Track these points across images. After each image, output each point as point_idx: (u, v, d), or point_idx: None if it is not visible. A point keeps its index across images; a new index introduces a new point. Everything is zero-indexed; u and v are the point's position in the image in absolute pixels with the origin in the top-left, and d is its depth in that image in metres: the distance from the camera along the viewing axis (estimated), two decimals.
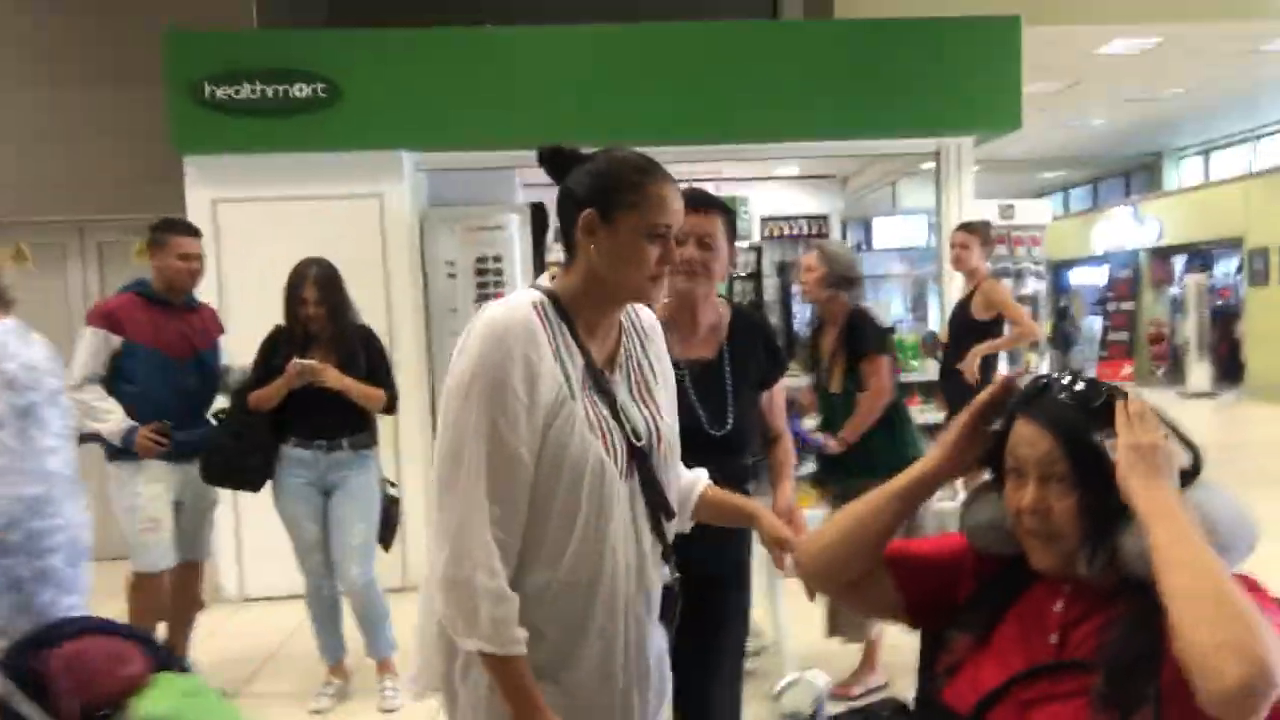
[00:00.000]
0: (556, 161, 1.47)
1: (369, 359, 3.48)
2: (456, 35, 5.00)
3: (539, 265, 5.25)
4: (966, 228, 4.47)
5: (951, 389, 4.29)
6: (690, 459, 1.82)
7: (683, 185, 1.57)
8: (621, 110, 4.97)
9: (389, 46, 4.91)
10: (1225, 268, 13.58)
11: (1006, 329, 4.18)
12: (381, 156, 4.87)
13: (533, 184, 6.41)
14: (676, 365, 1.90)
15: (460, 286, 4.82)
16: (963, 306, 4.35)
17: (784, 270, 5.83)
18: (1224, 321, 12.78)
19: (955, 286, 5.03)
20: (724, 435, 2.00)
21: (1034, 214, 5.83)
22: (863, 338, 3.33)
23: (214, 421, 3.54)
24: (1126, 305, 14.53)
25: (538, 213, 5.17)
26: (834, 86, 5.12)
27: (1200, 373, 12.35)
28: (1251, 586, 1.16)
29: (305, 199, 4.79)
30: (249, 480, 3.45)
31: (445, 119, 4.92)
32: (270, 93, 4.71)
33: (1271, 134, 13.63)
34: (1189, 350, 12.68)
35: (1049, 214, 6.31)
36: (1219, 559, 1.10)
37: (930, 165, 5.64)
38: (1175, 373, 13.19)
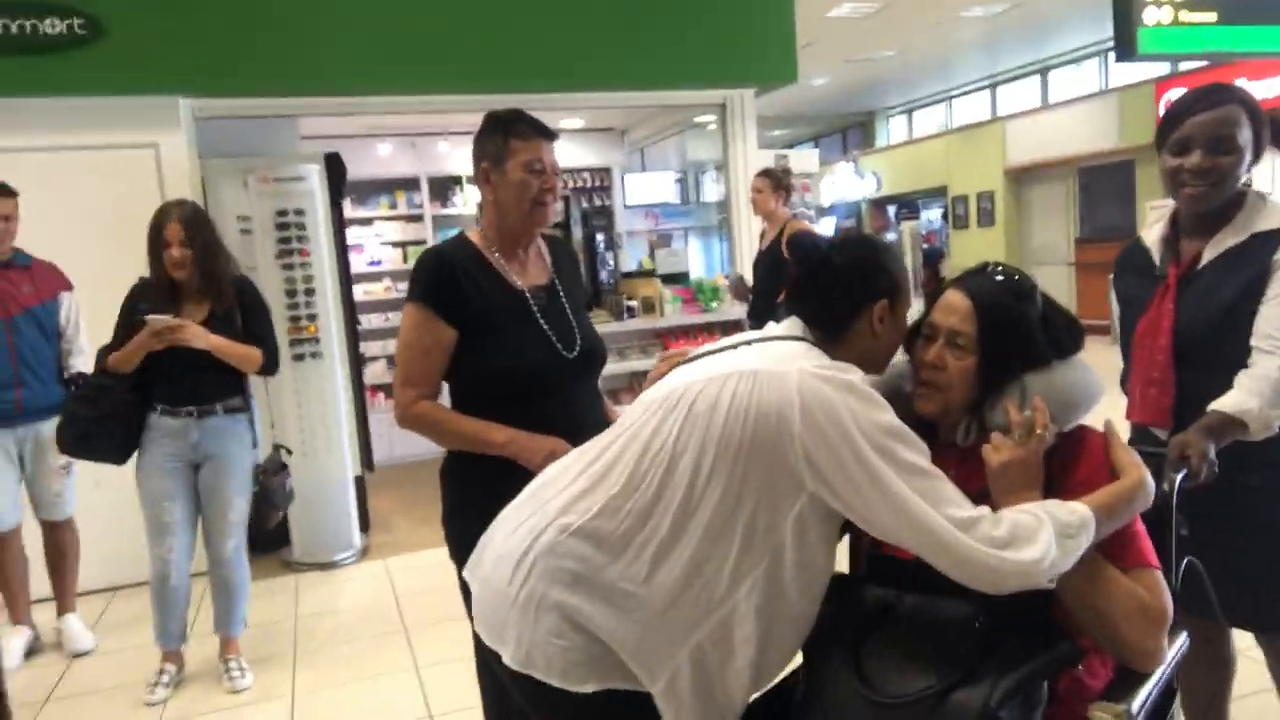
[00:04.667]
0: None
1: (245, 313, 3.18)
2: None
3: (338, 220, 5.01)
4: (759, 173, 4.81)
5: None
6: (552, 384, 1.96)
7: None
8: (410, 58, 4.84)
9: None
10: (931, 214, 15.37)
11: None
12: (154, 102, 4.41)
13: (312, 136, 6.09)
14: (524, 294, 2.00)
15: (258, 242, 4.50)
16: (771, 248, 4.68)
17: (587, 220, 5.96)
18: (931, 262, 14.51)
19: (749, 235, 5.41)
20: (578, 356, 2.03)
21: (804, 163, 6.36)
22: None
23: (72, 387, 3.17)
24: None
25: (333, 163, 4.91)
26: (615, 39, 5.22)
27: (915, 308, 13.95)
28: (1099, 439, 1.48)
29: (67, 149, 4.26)
30: (110, 452, 3.10)
31: (225, 62, 4.51)
32: (15, 28, 4.11)
33: (963, 94, 15.53)
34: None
35: (815, 163, 6.90)
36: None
37: (705, 119, 5.94)
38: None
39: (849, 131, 18.48)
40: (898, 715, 1.31)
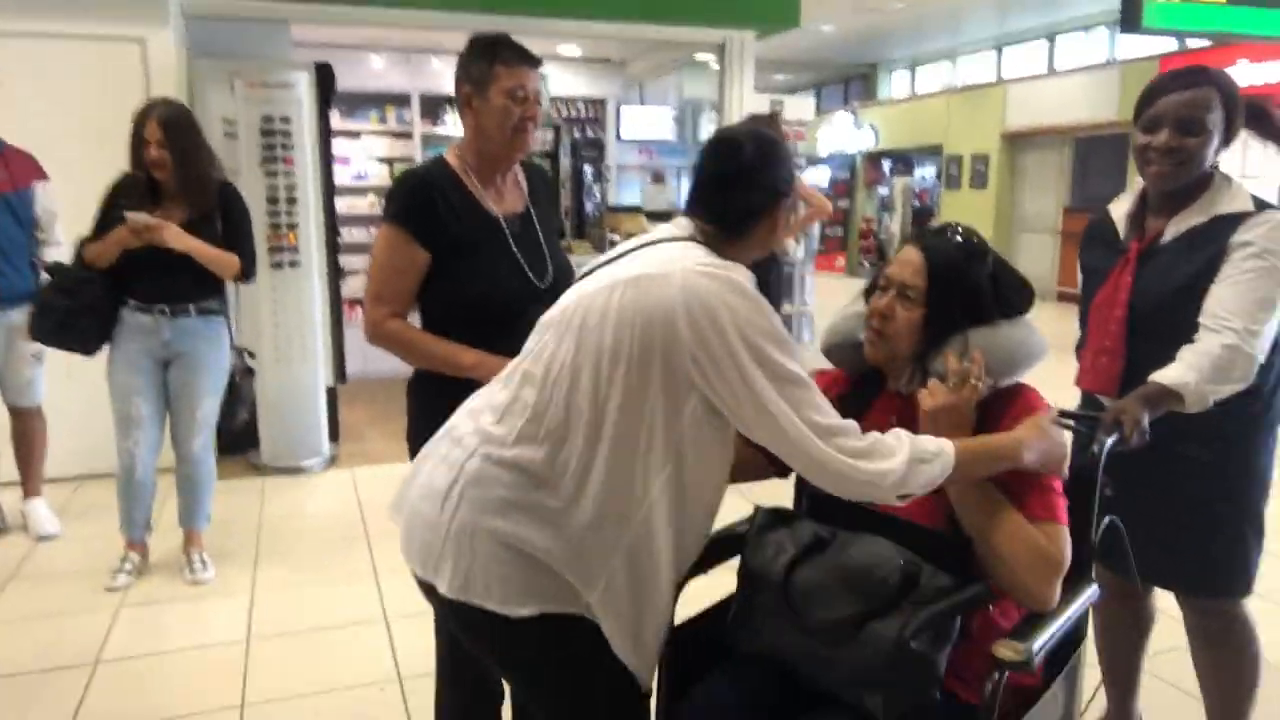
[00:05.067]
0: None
1: (226, 218, 3.18)
2: None
3: (324, 131, 4.95)
4: (749, 119, 4.79)
5: (756, 270, 4.63)
6: (524, 312, 1.88)
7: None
8: None
9: None
10: (924, 172, 15.32)
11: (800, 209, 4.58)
12: None
13: (304, 43, 5.97)
14: (499, 221, 2.00)
15: (243, 147, 4.46)
16: None
17: (576, 151, 5.91)
18: (921, 220, 14.52)
19: None
20: (549, 286, 2.02)
21: (799, 110, 6.31)
22: None
23: (45, 275, 3.17)
24: (843, 203, 16.03)
25: (323, 73, 4.84)
26: None
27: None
28: (1034, 399, 1.56)
29: (49, 36, 4.18)
30: (82, 343, 3.12)
31: None
32: None
33: (969, 53, 15.37)
34: (893, 245, 14.34)
35: (811, 111, 6.84)
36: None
37: (705, 57, 5.85)
38: (881, 264, 14.86)
39: (851, 82, 18.28)
40: (820, 639, 1.40)
